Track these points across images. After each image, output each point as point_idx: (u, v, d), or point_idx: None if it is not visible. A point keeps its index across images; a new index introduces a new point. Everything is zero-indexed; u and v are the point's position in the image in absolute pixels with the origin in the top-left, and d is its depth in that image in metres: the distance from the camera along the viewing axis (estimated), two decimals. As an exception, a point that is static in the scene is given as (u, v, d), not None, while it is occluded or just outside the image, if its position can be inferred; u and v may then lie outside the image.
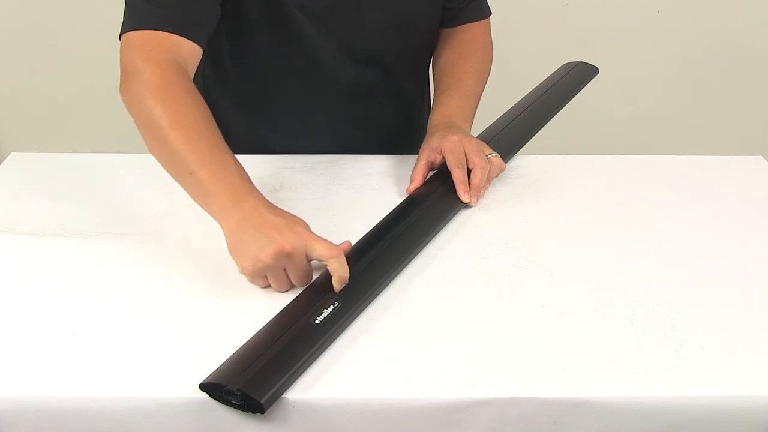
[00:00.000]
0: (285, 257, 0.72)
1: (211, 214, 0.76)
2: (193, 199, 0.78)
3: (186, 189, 0.78)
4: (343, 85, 1.05)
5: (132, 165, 1.02)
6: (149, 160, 1.03)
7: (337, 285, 0.73)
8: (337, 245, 0.75)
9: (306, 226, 0.75)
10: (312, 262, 0.75)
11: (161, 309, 0.73)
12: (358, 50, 1.02)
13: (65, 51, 2.12)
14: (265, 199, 0.76)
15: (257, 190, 0.77)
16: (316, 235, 0.74)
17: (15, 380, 0.63)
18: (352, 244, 0.80)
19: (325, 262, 0.73)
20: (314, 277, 0.77)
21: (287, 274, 0.74)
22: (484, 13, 1.13)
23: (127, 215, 0.90)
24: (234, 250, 0.74)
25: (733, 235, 0.88)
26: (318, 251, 0.72)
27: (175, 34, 0.85)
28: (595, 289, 0.77)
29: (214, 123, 0.82)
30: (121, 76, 0.85)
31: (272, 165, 1.02)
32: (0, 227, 0.87)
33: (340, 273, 0.72)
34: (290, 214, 0.76)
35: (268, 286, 0.75)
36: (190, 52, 0.87)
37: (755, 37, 2.17)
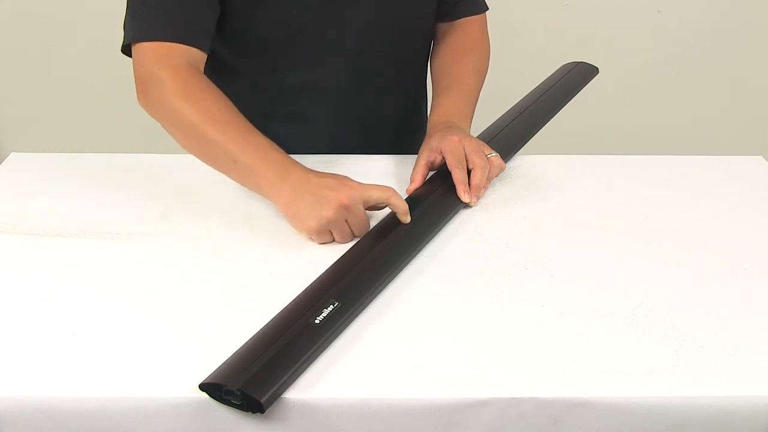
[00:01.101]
0: (344, 210, 0.80)
1: (262, 193, 0.84)
2: (241, 183, 0.87)
3: (232, 176, 0.86)
4: (342, 81, 1.05)
5: (132, 165, 1.02)
6: (149, 160, 1.03)
7: (404, 217, 0.83)
8: (389, 187, 0.83)
9: (351, 180, 0.83)
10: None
11: (161, 309, 0.73)
12: (354, 45, 1.02)
13: (65, 51, 2.12)
14: (307, 168, 0.84)
15: (298, 162, 0.84)
16: (366, 184, 0.82)
17: (15, 380, 0.63)
18: (353, 245, 0.82)
19: (383, 204, 0.83)
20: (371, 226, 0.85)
21: (349, 226, 0.82)
22: (480, 7, 1.13)
23: (127, 215, 0.90)
24: (294, 217, 0.82)
25: (733, 235, 0.88)
26: (375, 195, 0.82)
27: (182, 43, 0.89)
28: (595, 289, 0.77)
29: (238, 111, 0.88)
30: (137, 84, 0.90)
31: (272, 165, 1.02)
32: (0, 227, 0.87)
33: (401, 207, 0.83)
34: (336, 174, 0.84)
35: (332, 241, 0.83)
36: (198, 55, 0.92)
37: (755, 37, 2.16)
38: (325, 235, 0.82)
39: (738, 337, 0.70)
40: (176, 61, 0.88)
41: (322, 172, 0.83)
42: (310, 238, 0.83)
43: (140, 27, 0.90)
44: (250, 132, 0.85)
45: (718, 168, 1.05)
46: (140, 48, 0.90)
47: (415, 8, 1.05)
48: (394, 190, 0.83)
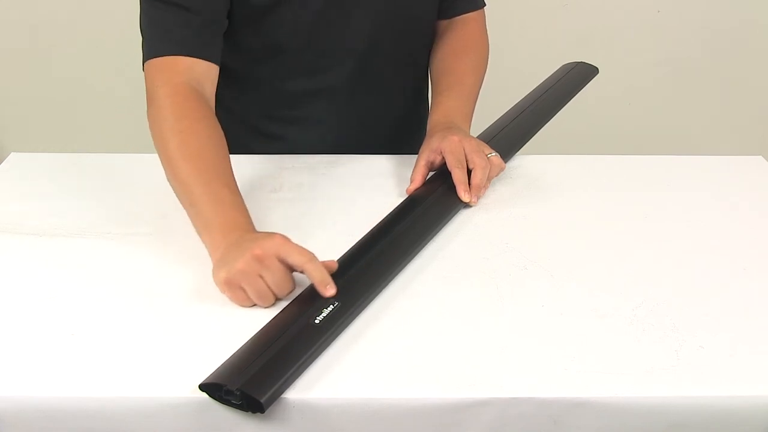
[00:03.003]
0: (256, 261, 0.71)
1: (205, 246, 0.78)
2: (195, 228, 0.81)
3: (189, 217, 0.81)
4: (344, 82, 1.05)
5: (132, 165, 1.02)
6: (149, 160, 1.03)
7: (320, 289, 0.71)
8: (310, 252, 0.73)
9: (283, 236, 0.74)
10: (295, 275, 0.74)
11: (161, 309, 0.73)
12: (355, 45, 1.02)
13: (65, 51, 2.11)
14: (254, 229, 0.78)
15: (250, 223, 0.78)
16: (292, 243, 0.73)
17: (15, 380, 0.63)
18: (352, 245, 0.81)
19: (300, 269, 0.72)
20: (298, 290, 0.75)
21: (266, 283, 0.72)
22: (478, 4, 1.14)
23: (127, 215, 0.90)
24: (214, 272, 0.74)
25: (733, 235, 0.88)
26: (292, 256, 0.72)
27: (189, 56, 0.89)
28: (595, 289, 0.77)
29: (223, 148, 0.85)
30: (146, 101, 0.89)
31: (272, 165, 1.02)
32: (0, 227, 0.87)
33: (318, 277, 0.71)
34: (275, 233, 0.75)
35: (250, 303, 0.73)
36: (206, 70, 0.91)
37: (755, 37, 2.16)
38: (237, 290, 0.72)
39: (738, 337, 0.70)
40: (178, 78, 0.88)
41: (259, 232, 0.76)
42: (224, 293, 0.74)
43: (148, 46, 0.91)
44: (219, 179, 0.81)
45: (718, 168, 1.05)
46: (148, 65, 0.91)
47: (416, 8, 1.05)
48: (314, 256, 0.72)
